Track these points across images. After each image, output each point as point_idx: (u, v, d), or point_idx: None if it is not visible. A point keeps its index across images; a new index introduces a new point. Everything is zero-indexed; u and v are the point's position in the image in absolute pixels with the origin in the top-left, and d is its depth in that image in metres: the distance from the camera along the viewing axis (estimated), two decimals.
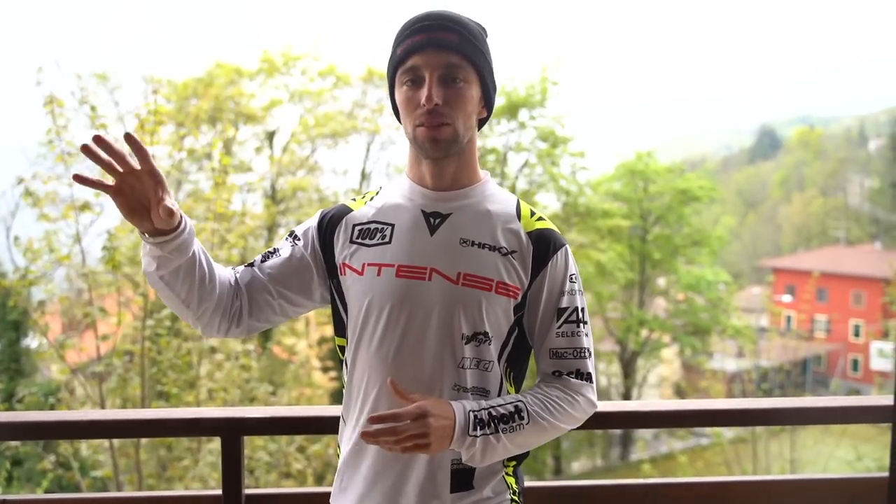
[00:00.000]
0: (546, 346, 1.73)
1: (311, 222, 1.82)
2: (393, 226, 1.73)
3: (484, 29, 1.75)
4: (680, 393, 25.17)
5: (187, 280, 1.69)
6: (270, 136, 20.13)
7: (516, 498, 1.78)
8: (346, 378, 1.80)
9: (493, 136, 21.85)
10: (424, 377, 1.66)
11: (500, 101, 21.44)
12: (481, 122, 1.77)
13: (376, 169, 20.75)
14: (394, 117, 1.79)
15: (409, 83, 1.67)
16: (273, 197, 19.06)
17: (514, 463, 1.79)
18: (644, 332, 24.09)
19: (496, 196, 1.77)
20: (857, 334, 34.86)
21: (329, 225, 1.79)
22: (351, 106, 20.15)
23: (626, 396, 24.34)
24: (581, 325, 1.74)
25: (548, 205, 22.56)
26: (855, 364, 34.78)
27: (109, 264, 6.38)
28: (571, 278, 1.74)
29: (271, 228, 18.15)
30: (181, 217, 1.64)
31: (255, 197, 19.41)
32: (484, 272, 1.67)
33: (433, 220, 1.71)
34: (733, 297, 26.11)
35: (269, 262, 1.81)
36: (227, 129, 17.68)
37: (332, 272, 1.79)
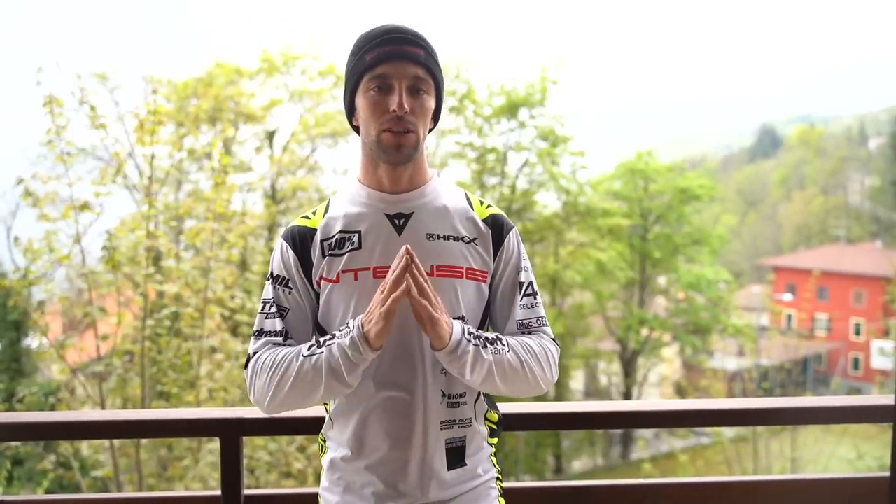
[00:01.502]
0: (512, 319, 1.86)
1: (284, 254, 1.85)
2: (359, 232, 1.80)
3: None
4: (680, 392, 25.17)
5: None
6: (270, 135, 20.12)
7: (500, 477, 1.93)
8: None
9: (493, 136, 21.86)
10: (415, 363, 1.76)
11: (499, 100, 21.47)
12: (431, 131, 1.87)
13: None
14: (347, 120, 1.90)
15: (376, 89, 1.75)
16: (273, 196, 19.05)
17: (494, 449, 1.93)
18: (644, 331, 24.09)
19: (447, 191, 1.88)
20: (857, 333, 34.86)
21: (303, 251, 1.83)
22: None
23: (627, 395, 24.35)
24: (536, 297, 1.90)
25: (548, 203, 22.56)
26: (856, 363, 34.78)
27: (109, 264, 6.38)
28: (523, 256, 1.89)
29: (271, 228, 18.14)
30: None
31: (255, 196, 19.41)
32: (454, 261, 1.79)
33: (398, 220, 1.80)
34: (734, 296, 26.13)
35: (292, 322, 1.84)
36: (227, 129, 17.68)
37: (315, 293, 1.84)
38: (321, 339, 1.73)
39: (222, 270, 7.63)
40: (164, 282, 6.98)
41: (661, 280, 26.05)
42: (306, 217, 1.88)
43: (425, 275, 1.67)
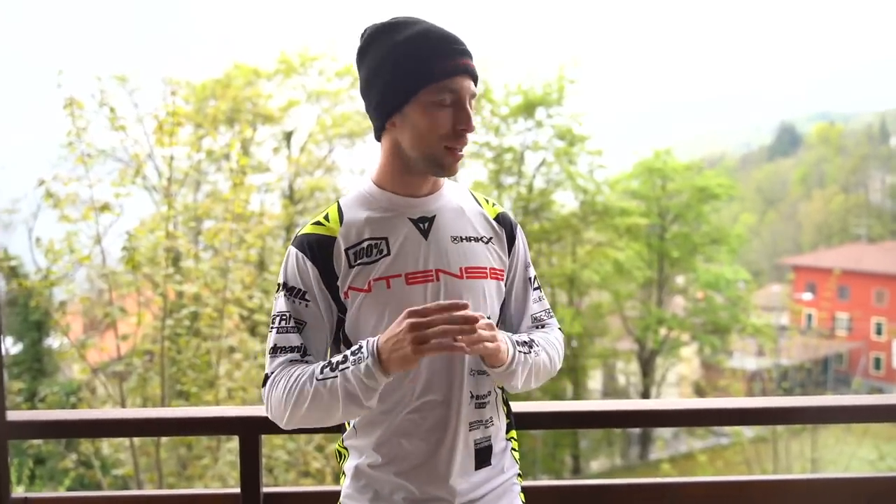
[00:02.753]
0: (528, 314, 1.90)
1: (300, 264, 1.73)
2: (386, 239, 1.73)
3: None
4: (699, 392, 25.04)
5: None
6: (288, 136, 20.20)
7: (521, 473, 1.93)
8: None
9: (510, 135, 21.83)
10: (455, 369, 1.73)
11: (517, 100, 21.45)
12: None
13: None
14: (372, 118, 1.77)
15: (444, 104, 1.66)
16: (291, 197, 19.12)
17: (515, 443, 1.93)
18: (663, 331, 23.99)
19: (457, 191, 1.86)
20: (879, 332, 34.53)
21: (324, 261, 1.72)
22: None
23: (645, 395, 24.23)
24: (541, 289, 1.96)
25: (565, 203, 22.52)
26: (877, 362, 34.47)
27: (129, 264, 6.44)
28: (528, 251, 1.94)
29: (289, 228, 18.20)
30: None
31: (272, 197, 19.49)
32: (479, 262, 1.78)
33: (422, 224, 1.75)
34: (753, 296, 25.98)
35: (311, 336, 1.74)
36: (245, 130, 17.74)
37: (338, 304, 1.74)
38: (334, 362, 1.63)
39: (240, 270, 7.67)
40: (183, 282, 7.03)
41: (680, 279, 25.93)
42: (319, 224, 1.75)
43: (484, 319, 1.60)
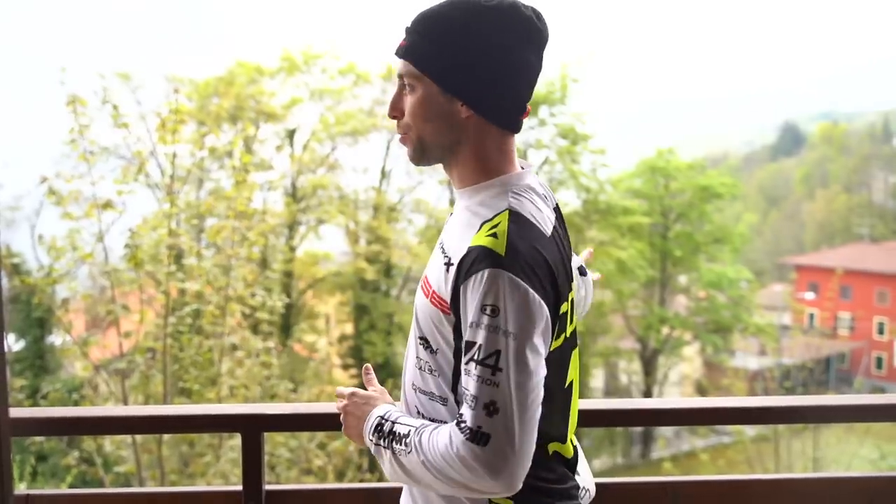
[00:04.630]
0: (458, 383, 1.52)
1: None
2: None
3: (470, 5, 1.51)
4: (701, 391, 25.05)
5: None
6: (291, 134, 20.23)
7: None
8: None
9: None
10: (406, 370, 1.68)
11: None
12: (495, 118, 1.56)
13: (396, 167, 20.80)
14: None
15: None
16: (293, 195, 19.16)
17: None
18: (665, 330, 24.00)
19: (490, 200, 1.54)
20: (881, 332, 34.49)
21: None
22: (371, 104, 20.19)
23: (647, 394, 24.25)
24: (483, 367, 1.40)
25: (568, 202, 22.52)
26: (879, 362, 34.43)
27: (132, 262, 6.44)
28: (485, 309, 1.41)
29: (292, 226, 18.25)
30: None
31: (275, 195, 19.54)
32: (431, 279, 1.56)
33: (450, 217, 1.68)
34: (755, 295, 25.97)
35: None
36: (248, 128, 17.78)
37: None
38: None
39: (243, 268, 7.67)
40: (185, 280, 7.03)
41: (682, 279, 25.92)
42: None
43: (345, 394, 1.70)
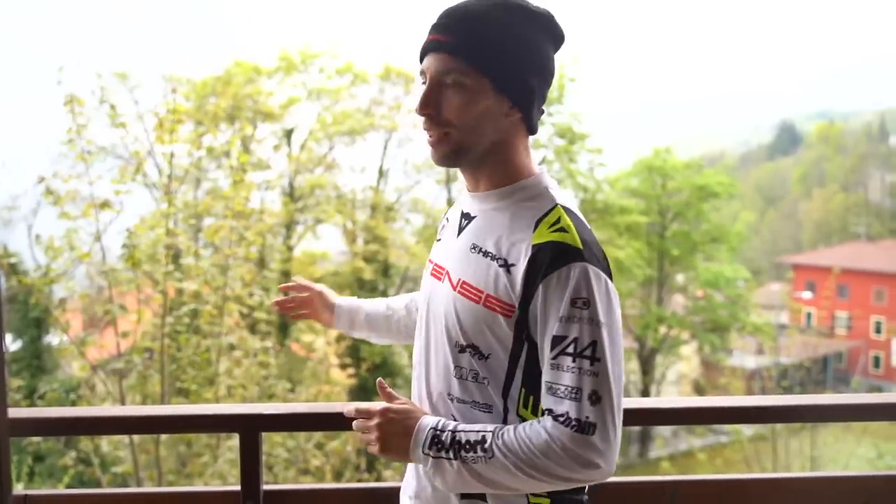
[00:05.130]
0: (543, 380, 1.49)
1: None
2: (447, 223, 1.75)
3: (512, 7, 1.55)
4: (699, 390, 25.06)
5: (378, 336, 2.11)
6: (288, 133, 20.21)
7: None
8: None
9: None
10: (431, 379, 1.63)
11: None
12: (531, 120, 1.59)
13: (394, 166, 20.79)
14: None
15: (422, 87, 1.58)
16: (291, 194, 19.14)
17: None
18: (663, 329, 24.02)
19: (531, 200, 1.56)
20: (878, 331, 34.56)
21: None
22: (368, 103, 20.17)
23: (645, 394, 24.27)
24: (581, 359, 1.43)
25: None
26: (876, 361, 34.49)
27: (129, 262, 6.44)
28: (576, 303, 1.44)
29: (289, 226, 18.24)
30: (338, 315, 2.08)
31: (273, 195, 19.52)
32: (477, 282, 1.54)
33: (464, 220, 1.65)
34: (753, 294, 26.00)
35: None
36: (246, 127, 17.76)
37: None
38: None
39: (241, 268, 7.67)
40: (183, 279, 7.03)
41: (680, 278, 25.95)
42: None
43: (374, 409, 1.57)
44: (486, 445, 1.45)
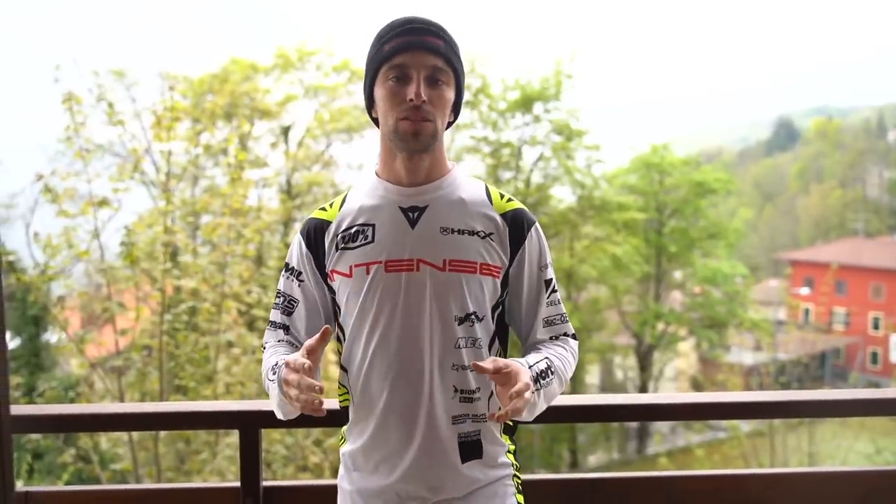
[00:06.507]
0: (539, 317, 1.88)
1: (299, 248, 1.88)
2: (373, 226, 1.79)
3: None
4: (697, 387, 25.04)
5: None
6: (285, 131, 20.17)
7: (518, 474, 1.91)
8: (347, 376, 1.85)
9: (507, 130, 21.82)
10: (425, 360, 1.75)
11: (514, 95, 21.45)
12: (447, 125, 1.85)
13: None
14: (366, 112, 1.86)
15: (394, 79, 1.73)
16: (288, 192, 19.11)
17: (513, 445, 1.93)
18: (660, 326, 24.00)
19: (465, 184, 1.86)
20: (876, 327, 34.60)
21: (316, 241, 1.85)
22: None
23: (643, 390, 24.24)
24: (557, 293, 1.92)
25: (563, 198, 22.52)
26: (874, 357, 34.54)
27: (128, 259, 6.45)
28: (545, 251, 1.88)
29: (287, 223, 18.20)
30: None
31: (270, 192, 19.46)
32: (467, 256, 1.77)
33: (412, 213, 1.79)
34: (750, 290, 25.97)
35: (296, 316, 1.89)
36: (243, 125, 17.74)
37: (329, 287, 1.86)
38: (274, 367, 1.76)
39: (238, 265, 7.68)
40: (181, 277, 7.03)
41: (677, 274, 25.94)
42: (323, 209, 1.89)
43: (509, 365, 1.63)
44: (552, 370, 1.78)
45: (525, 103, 21.30)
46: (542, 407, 1.76)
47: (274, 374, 1.74)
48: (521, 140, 21.78)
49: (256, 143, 19.73)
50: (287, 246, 18.66)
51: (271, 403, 1.81)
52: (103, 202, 6.31)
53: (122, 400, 6.79)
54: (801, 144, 71.06)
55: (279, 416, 1.80)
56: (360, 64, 20.70)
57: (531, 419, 1.79)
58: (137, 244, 6.65)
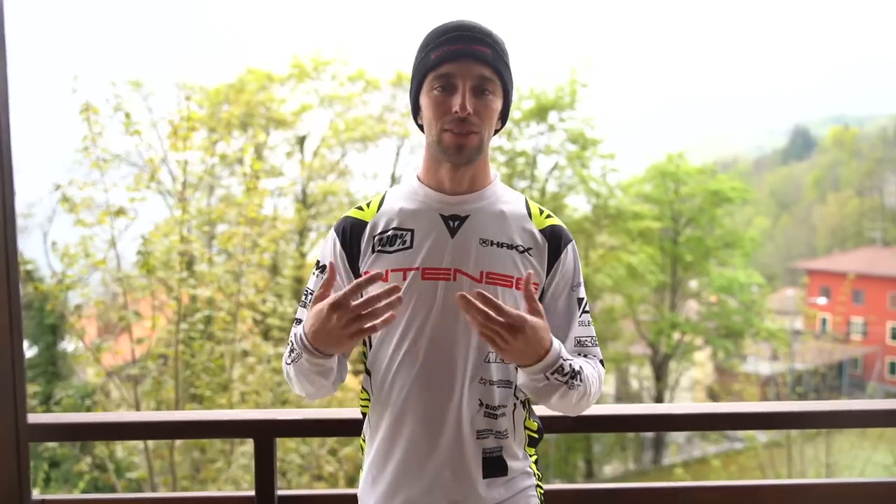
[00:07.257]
0: (571, 335, 1.81)
1: (334, 247, 1.82)
2: (412, 231, 1.77)
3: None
4: (713, 396, 24.93)
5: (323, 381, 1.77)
6: (301, 140, 20.27)
7: (540, 485, 1.89)
8: (371, 381, 1.82)
9: (522, 139, 21.83)
10: (453, 372, 1.72)
11: (529, 104, 21.47)
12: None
13: (406, 172, 20.80)
14: (412, 118, 1.84)
15: (439, 89, 1.70)
16: (304, 201, 19.18)
17: (535, 456, 1.90)
18: (676, 335, 23.89)
19: (506, 196, 1.84)
20: (894, 336, 34.29)
21: (351, 241, 1.81)
22: (380, 110, 20.23)
23: (658, 400, 24.15)
24: (589, 314, 1.87)
25: (578, 207, 22.49)
26: (892, 367, 34.22)
27: (144, 268, 6.48)
28: (579, 270, 1.86)
29: (302, 232, 18.26)
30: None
31: (286, 201, 19.57)
32: (505, 270, 1.74)
33: (452, 222, 1.76)
34: (767, 300, 25.81)
35: None
36: (259, 135, 17.82)
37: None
38: (289, 351, 1.73)
39: (254, 275, 7.70)
40: (197, 286, 7.07)
41: (693, 283, 25.81)
42: (360, 209, 1.85)
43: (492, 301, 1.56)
44: (582, 377, 1.71)
45: (540, 112, 21.31)
46: (553, 400, 1.69)
47: (296, 347, 1.68)
48: (536, 149, 21.79)
49: (272, 153, 19.85)
50: (303, 255, 18.78)
51: (293, 385, 1.79)
52: (120, 211, 6.36)
53: (137, 408, 6.82)
54: (817, 153, 70.65)
55: (302, 393, 1.79)
56: (374, 73, 20.85)
57: (536, 400, 1.74)
58: (153, 253, 6.67)
